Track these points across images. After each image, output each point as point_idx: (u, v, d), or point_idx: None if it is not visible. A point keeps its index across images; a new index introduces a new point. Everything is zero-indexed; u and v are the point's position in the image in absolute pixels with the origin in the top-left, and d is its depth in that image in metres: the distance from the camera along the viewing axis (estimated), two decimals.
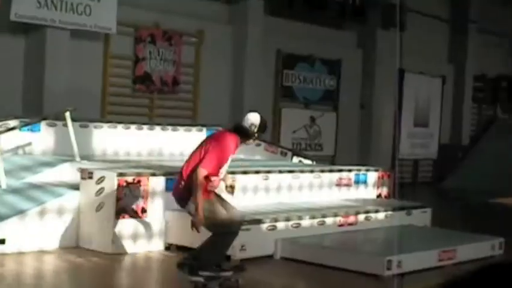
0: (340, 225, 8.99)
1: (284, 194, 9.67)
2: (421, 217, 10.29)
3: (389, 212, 9.78)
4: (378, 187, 11.11)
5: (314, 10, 17.09)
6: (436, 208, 11.28)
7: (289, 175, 9.87)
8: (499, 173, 19.26)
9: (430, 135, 20.91)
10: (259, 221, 8.01)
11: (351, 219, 9.14)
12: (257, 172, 9.47)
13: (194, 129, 12.28)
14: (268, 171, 9.62)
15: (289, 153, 12.60)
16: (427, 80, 20.45)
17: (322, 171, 10.50)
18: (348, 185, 10.67)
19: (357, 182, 10.83)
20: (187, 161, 6.50)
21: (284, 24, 16.72)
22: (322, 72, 17.63)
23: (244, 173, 9.28)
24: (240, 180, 9.10)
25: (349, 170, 10.88)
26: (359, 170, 11.03)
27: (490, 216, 14.01)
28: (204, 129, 12.30)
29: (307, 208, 9.17)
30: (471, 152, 21.22)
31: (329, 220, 8.86)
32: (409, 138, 20.18)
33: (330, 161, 17.33)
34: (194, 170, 6.29)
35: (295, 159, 12.42)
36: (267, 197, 9.38)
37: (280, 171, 9.80)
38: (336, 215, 8.99)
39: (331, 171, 10.68)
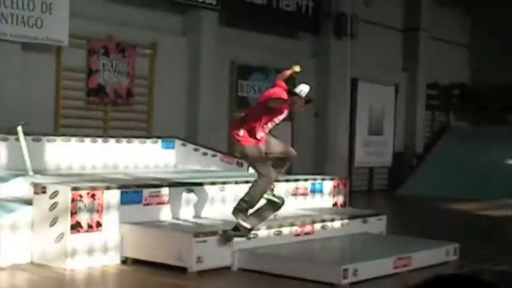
0: (297, 235, 9.02)
1: None
2: (377, 225, 10.37)
3: (345, 221, 9.84)
4: (333, 196, 11.17)
5: (268, 21, 17.16)
6: (391, 215, 11.40)
7: (246, 186, 9.85)
8: (453, 179, 19.55)
9: (384, 143, 21.12)
10: (216, 233, 7.99)
11: (308, 228, 9.17)
12: (213, 183, 9.45)
13: (149, 141, 12.23)
14: (224, 182, 9.60)
15: (245, 164, 12.58)
16: (380, 88, 20.68)
17: (278, 181, 10.51)
18: (304, 195, 10.71)
19: (313, 191, 10.88)
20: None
21: (238, 34, 16.77)
22: None
23: (200, 184, 9.25)
24: (196, 191, 9.07)
25: (305, 179, 10.93)
26: (315, 179, 11.09)
27: (445, 222, 14.19)
28: (159, 141, 12.26)
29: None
30: (425, 159, 21.50)
31: (286, 230, 8.87)
32: (363, 146, 20.36)
33: (286, 170, 17.35)
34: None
35: (252, 170, 12.41)
36: (223, 208, 9.36)
37: (237, 182, 9.80)
38: (292, 225, 9.01)
39: (287, 180, 10.71)
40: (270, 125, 8.13)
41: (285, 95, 7.86)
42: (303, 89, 7.98)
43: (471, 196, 17.78)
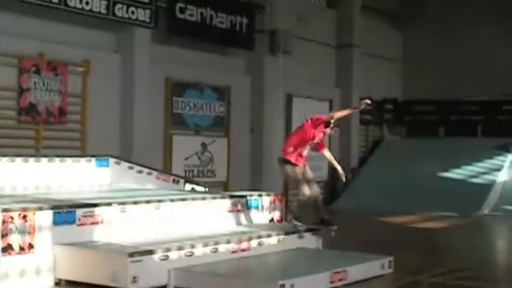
0: (234, 252, 8.98)
1: (176, 223, 9.58)
2: (313, 240, 10.41)
3: (282, 236, 9.85)
4: (270, 212, 11.18)
5: (202, 37, 17.17)
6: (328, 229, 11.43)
7: (182, 203, 9.80)
8: (387, 192, 19.83)
9: (320, 157, 21.21)
10: (151, 252, 7.89)
11: (244, 245, 9.14)
12: (148, 202, 9.36)
13: (83, 160, 12.05)
14: (160, 200, 9.52)
15: (182, 181, 12.52)
16: (314, 104, 20.86)
17: (215, 198, 10.49)
18: (240, 211, 10.69)
19: (250, 207, 10.86)
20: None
21: (172, 51, 16.72)
22: (212, 98, 17.71)
23: (135, 203, 9.15)
24: (131, 210, 8.97)
25: (241, 196, 10.92)
26: (251, 195, 11.08)
27: (380, 235, 14.35)
28: (93, 159, 12.09)
29: (200, 236, 9.11)
30: (360, 173, 21.75)
31: (222, 247, 8.82)
32: None
33: (223, 186, 17.37)
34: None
35: (188, 187, 12.36)
36: (159, 226, 9.27)
37: (172, 200, 9.72)
38: (228, 242, 8.97)
39: (223, 197, 10.68)
40: (306, 151, 10.38)
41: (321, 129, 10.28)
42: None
43: (405, 209, 18.05)
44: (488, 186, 19.55)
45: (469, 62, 23.36)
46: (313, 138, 10.26)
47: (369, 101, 9.97)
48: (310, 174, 10.51)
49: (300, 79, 20.42)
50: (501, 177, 19.88)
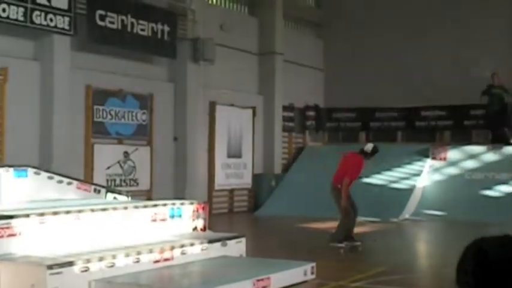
0: (156, 262, 8.89)
1: (98, 233, 9.43)
2: (237, 247, 10.41)
3: (205, 245, 9.81)
4: (193, 220, 11.12)
5: (123, 45, 17.00)
6: (251, 237, 11.50)
7: (103, 213, 9.65)
8: (310, 198, 19.99)
9: (243, 165, 21.36)
10: (71, 263, 7.74)
11: (167, 254, 9.07)
12: (68, 212, 9.18)
13: (1, 170, 11.72)
14: (80, 211, 9.35)
15: (103, 190, 12.33)
16: (238, 111, 20.93)
17: (137, 207, 10.38)
18: (163, 220, 10.59)
19: (173, 216, 10.78)
20: (338, 171, 13.10)
21: (93, 59, 16.51)
22: (134, 106, 17.55)
23: (54, 214, 8.96)
24: (50, 221, 8.78)
25: (164, 205, 10.82)
26: (174, 204, 11.00)
27: (303, 241, 14.47)
28: (11, 169, 11.77)
29: (121, 246, 8.99)
30: (283, 180, 21.89)
31: (144, 257, 8.73)
32: (223, 169, 20.50)
33: (146, 195, 17.22)
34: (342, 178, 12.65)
35: (110, 196, 12.18)
36: (79, 237, 9.10)
37: (93, 210, 9.57)
38: (151, 252, 8.89)
39: (145, 206, 10.57)
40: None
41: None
42: (369, 147, 13.35)
43: (328, 215, 18.22)
44: (408, 192, 19.94)
45: (388, 70, 23.83)
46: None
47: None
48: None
49: (223, 86, 20.46)
50: (420, 182, 20.32)
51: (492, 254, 1.99)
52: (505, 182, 19.22)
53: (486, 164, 19.82)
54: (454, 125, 22.96)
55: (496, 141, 20.58)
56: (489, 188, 19.12)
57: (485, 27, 22.30)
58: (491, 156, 20.08)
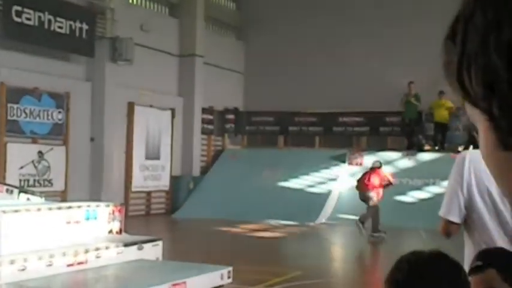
0: (70, 265, 8.69)
1: (9, 236, 9.14)
2: (153, 251, 10.27)
3: (121, 248, 9.64)
4: (109, 222, 10.92)
5: (40, 42, 16.60)
6: (168, 240, 11.40)
7: (15, 215, 9.37)
8: (228, 201, 20.01)
9: (162, 167, 21.18)
10: None
11: (81, 257, 8.87)
12: None
13: None
14: None
15: (16, 191, 11.97)
16: (157, 113, 20.75)
17: (51, 208, 10.11)
18: (78, 222, 10.36)
19: (88, 219, 10.55)
20: (363, 179, 15.74)
21: (8, 56, 16.04)
22: (50, 105, 17.16)
23: None
24: None
25: (79, 207, 10.59)
26: (89, 206, 10.78)
27: (220, 245, 14.44)
28: None
29: (33, 250, 8.74)
30: (201, 182, 21.83)
31: (57, 260, 8.52)
32: (141, 170, 20.27)
33: (60, 197, 16.85)
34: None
35: (23, 197, 11.84)
36: None
37: (4, 212, 9.27)
38: (64, 255, 8.67)
39: (60, 208, 10.32)
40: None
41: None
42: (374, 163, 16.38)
43: (245, 218, 18.29)
44: (325, 196, 20.18)
45: (308, 75, 24.06)
46: None
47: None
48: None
49: (142, 87, 20.23)
50: (337, 187, 20.59)
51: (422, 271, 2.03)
52: (418, 188, 19.67)
53: (400, 170, 20.23)
54: (370, 131, 23.36)
55: (411, 148, 21.07)
56: (403, 194, 19.51)
57: (401, 36, 22.77)
58: (405, 163, 20.53)
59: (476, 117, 0.76)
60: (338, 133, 23.72)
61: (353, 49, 23.40)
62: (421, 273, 2.02)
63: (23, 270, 7.99)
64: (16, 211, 9.47)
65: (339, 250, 15.62)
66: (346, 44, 23.56)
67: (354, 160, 21.28)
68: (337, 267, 12.60)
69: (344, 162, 21.34)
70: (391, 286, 2.04)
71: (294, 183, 21.00)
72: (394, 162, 20.44)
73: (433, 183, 19.17)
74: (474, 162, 3.56)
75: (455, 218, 3.60)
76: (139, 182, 20.22)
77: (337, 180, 20.82)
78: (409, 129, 21.43)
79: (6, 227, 9.11)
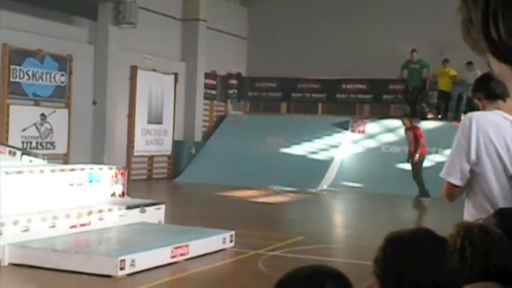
0: (73, 227, 8.74)
1: (12, 197, 9.16)
2: (155, 214, 10.33)
3: (123, 211, 9.69)
4: (112, 185, 10.95)
5: (42, 3, 16.47)
6: (170, 204, 11.42)
7: (18, 176, 9.38)
8: (230, 167, 20.03)
9: (164, 131, 21.16)
10: None
11: (84, 220, 8.91)
12: None
13: None
14: None
15: (19, 153, 11.99)
16: (159, 77, 20.67)
17: (53, 170, 10.13)
18: (81, 185, 10.39)
19: (91, 181, 10.58)
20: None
21: (10, 17, 15.93)
22: (53, 68, 17.08)
23: None
24: None
25: (82, 169, 10.61)
26: (92, 169, 10.80)
27: (222, 210, 14.47)
28: None
29: (37, 211, 8.77)
30: (204, 147, 21.82)
31: (61, 222, 8.56)
32: (143, 135, 20.25)
33: (63, 159, 16.86)
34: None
35: (26, 159, 11.86)
36: None
37: (7, 173, 9.28)
38: (68, 217, 8.71)
39: (62, 170, 10.34)
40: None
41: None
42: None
43: (247, 183, 18.32)
44: (327, 163, 20.18)
45: (311, 41, 23.93)
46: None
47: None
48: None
49: (145, 51, 20.13)
50: (339, 154, 20.59)
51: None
52: None
53: (403, 138, 20.17)
54: (374, 99, 23.28)
55: (414, 116, 21.00)
56: (404, 162, 19.50)
57: (406, 3, 22.59)
58: None
59: (507, 74, 0.73)
60: (341, 100, 23.64)
61: (358, 16, 23.24)
62: (403, 251, 2.02)
63: (26, 231, 8.04)
64: (19, 172, 9.49)
65: (341, 216, 15.67)
66: (351, 10, 23.39)
67: (356, 127, 21.24)
68: (339, 233, 12.65)
69: (347, 129, 21.30)
70: (374, 265, 2.05)
71: (296, 150, 20.99)
72: (396, 130, 20.38)
73: (436, 152, 19.13)
74: (481, 124, 3.54)
75: (456, 180, 3.58)
76: (141, 146, 20.21)
77: (339, 148, 20.80)
78: (412, 97, 21.32)
79: (9, 188, 9.14)
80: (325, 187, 19.04)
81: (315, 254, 9.37)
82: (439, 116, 21.21)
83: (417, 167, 16.34)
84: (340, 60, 23.22)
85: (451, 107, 21.17)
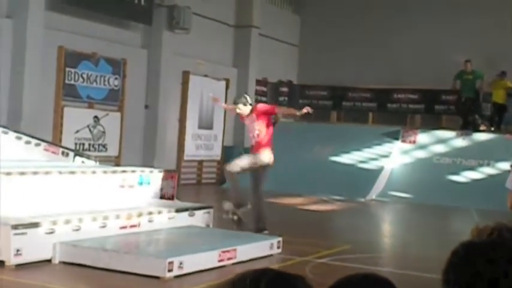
0: (123, 228, 8.84)
1: (64, 196, 9.33)
2: (204, 218, 10.40)
3: (172, 213, 9.77)
4: (161, 188, 11.06)
5: (99, 8, 16.75)
6: (219, 209, 11.45)
7: (71, 176, 9.55)
8: (279, 173, 20.01)
9: (214, 137, 21.28)
10: (36, 224, 7.66)
11: (134, 221, 9.01)
12: (35, 173, 9.07)
13: None
14: (48, 172, 9.24)
15: (71, 154, 12.19)
16: (211, 82, 20.79)
17: (105, 172, 10.28)
18: (131, 186, 10.52)
19: (141, 183, 10.70)
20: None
21: (67, 20, 16.24)
22: (107, 71, 17.34)
23: (22, 174, 8.84)
24: (17, 181, 8.65)
25: (133, 171, 10.74)
26: (143, 171, 10.92)
27: (270, 216, 14.43)
28: None
29: (88, 210, 8.91)
30: None
31: (111, 222, 8.67)
32: (193, 139, 20.40)
33: (114, 162, 17.07)
34: None
35: (78, 160, 12.05)
36: (46, 199, 9.00)
37: (61, 172, 9.45)
38: (118, 217, 8.82)
39: (114, 172, 10.48)
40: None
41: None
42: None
43: (295, 191, 18.29)
44: (376, 172, 20.03)
45: (363, 50, 23.83)
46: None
47: (310, 110, 11.28)
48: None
49: (197, 57, 20.30)
50: (389, 164, 20.43)
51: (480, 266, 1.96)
52: (472, 168, 19.38)
53: (454, 149, 19.95)
54: (425, 109, 23.06)
55: (466, 127, 20.74)
56: (456, 173, 19.26)
57: (461, 13, 22.36)
58: (459, 142, 20.21)
59: None
60: (392, 110, 23.48)
61: (411, 25, 23.07)
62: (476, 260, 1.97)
63: (77, 230, 8.16)
64: (72, 173, 9.66)
65: (389, 226, 15.54)
66: (404, 19, 23.24)
67: (407, 138, 21.04)
68: (387, 243, 12.54)
69: (397, 139, 21.11)
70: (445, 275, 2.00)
71: (345, 159, 20.89)
72: (448, 141, 20.16)
73: (487, 164, 18.87)
74: None
75: None
76: (191, 150, 20.36)
77: (389, 157, 20.64)
78: (465, 108, 21.04)
79: (62, 188, 9.30)
80: (373, 197, 18.90)
81: (362, 263, 9.31)
82: (492, 128, 20.89)
83: None
84: (392, 70, 23.07)
85: (505, 119, 20.84)
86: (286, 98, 24.67)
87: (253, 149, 10.98)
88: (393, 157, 20.65)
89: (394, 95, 23.44)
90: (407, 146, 20.81)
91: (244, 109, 10.66)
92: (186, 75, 19.98)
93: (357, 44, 23.91)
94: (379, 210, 17.57)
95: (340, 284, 1.90)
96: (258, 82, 23.09)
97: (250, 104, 10.77)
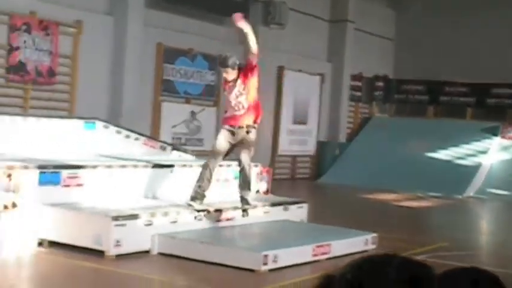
0: (218, 221, 8.97)
1: (163, 189, 9.55)
2: (298, 212, 10.43)
3: (267, 208, 9.85)
4: (256, 183, 11.15)
5: (196, 5, 17.01)
6: (312, 204, 11.48)
7: (168, 169, 9.76)
8: (374, 169, 19.86)
9: (308, 132, 21.28)
10: (135, 216, 7.87)
11: (229, 214, 9.13)
12: (135, 166, 9.31)
13: (70, 121, 11.93)
14: (146, 166, 9.47)
15: (169, 148, 12.45)
16: (306, 77, 20.80)
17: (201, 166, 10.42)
18: (227, 180, 10.66)
19: (236, 177, 10.80)
20: None
21: (165, 17, 16.57)
22: (203, 67, 17.60)
23: (122, 167, 9.10)
24: (117, 174, 8.91)
25: (229, 165, 10.87)
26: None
27: (364, 212, 14.39)
28: (81, 122, 11.98)
29: (185, 203, 9.06)
30: (347, 149, 21.76)
31: (207, 215, 8.81)
32: (287, 134, 20.46)
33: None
34: None
35: (175, 154, 12.29)
36: (145, 191, 9.23)
37: (159, 166, 9.67)
38: (214, 210, 8.95)
39: None
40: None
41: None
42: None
43: (390, 187, 18.10)
44: (474, 169, 19.61)
45: (460, 44, 23.31)
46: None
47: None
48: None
49: (292, 51, 20.33)
50: (487, 160, 19.94)
51: None
52: None
53: None
54: None
55: None
56: None
57: None
58: None
59: None
60: (491, 105, 22.88)
61: (509, 17, 22.40)
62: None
63: (175, 222, 8.32)
64: (170, 166, 9.86)
65: (487, 224, 15.18)
66: (502, 10, 22.58)
67: (507, 134, 20.50)
68: (484, 241, 12.26)
69: (496, 135, 20.60)
70: None
71: (442, 155, 20.53)
72: None
73: None
74: None
75: None
76: (285, 145, 20.43)
77: (487, 154, 20.15)
78: None
79: (161, 181, 9.52)
80: (471, 194, 18.50)
81: (459, 260, 9.13)
82: None
83: None
84: (490, 64, 22.46)
85: None
86: (381, 93, 24.42)
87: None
88: (492, 153, 20.16)
89: (493, 89, 22.82)
90: (506, 142, 20.27)
91: (232, 73, 9.23)
92: (280, 70, 20.04)
93: (453, 38, 23.39)
94: (477, 208, 17.18)
95: (453, 273, 1.89)
96: (353, 77, 22.93)
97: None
